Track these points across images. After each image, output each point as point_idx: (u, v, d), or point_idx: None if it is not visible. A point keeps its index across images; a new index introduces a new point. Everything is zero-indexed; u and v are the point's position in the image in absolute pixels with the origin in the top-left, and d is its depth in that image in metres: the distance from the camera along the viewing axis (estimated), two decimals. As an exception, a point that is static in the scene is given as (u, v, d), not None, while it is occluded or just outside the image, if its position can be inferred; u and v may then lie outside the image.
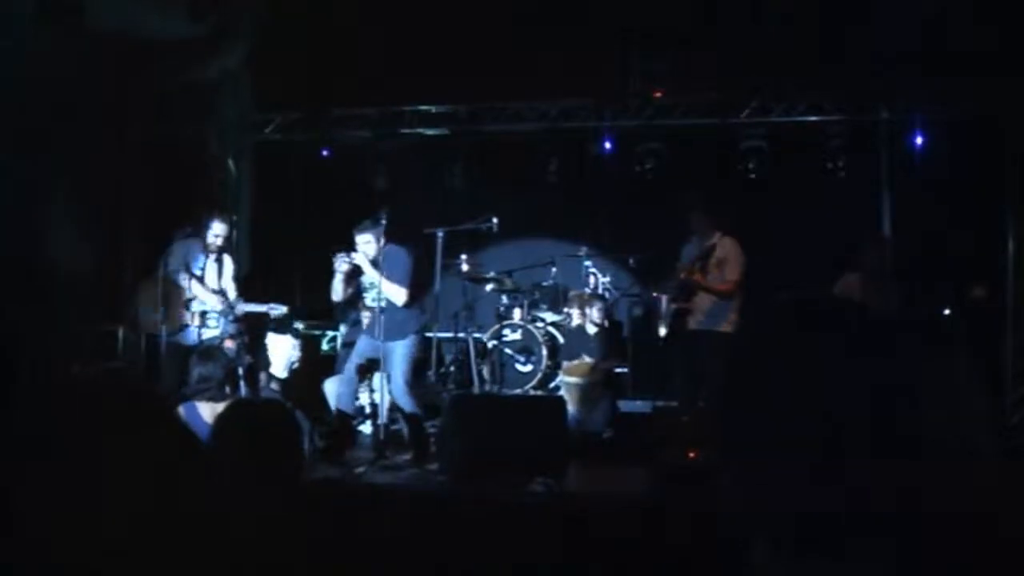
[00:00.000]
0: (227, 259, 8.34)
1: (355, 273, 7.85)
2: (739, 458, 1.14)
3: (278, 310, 8.40)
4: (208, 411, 5.31)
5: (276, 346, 8.83)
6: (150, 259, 8.24)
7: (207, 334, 7.99)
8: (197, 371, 5.75)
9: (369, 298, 7.91)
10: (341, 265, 7.77)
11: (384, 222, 7.75)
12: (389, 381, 7.81)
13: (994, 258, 9.28)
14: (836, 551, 1.07)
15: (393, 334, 7.69)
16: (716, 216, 8.19)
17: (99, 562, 1.20)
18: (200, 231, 8.11)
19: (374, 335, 7.86)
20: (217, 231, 8.12)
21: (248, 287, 9.07)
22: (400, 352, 7.77)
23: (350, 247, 7.78)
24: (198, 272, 8.01)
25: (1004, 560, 1.07)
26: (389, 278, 7.68)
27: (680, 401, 8.06)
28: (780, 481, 1.09)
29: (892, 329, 1.12)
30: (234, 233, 11.21)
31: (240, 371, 8.05)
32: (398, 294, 7.68)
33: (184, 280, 7.96)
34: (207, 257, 8.10)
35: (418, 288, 7.89)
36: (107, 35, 8.83)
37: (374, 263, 7.73)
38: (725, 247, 8.03)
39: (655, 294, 8.72)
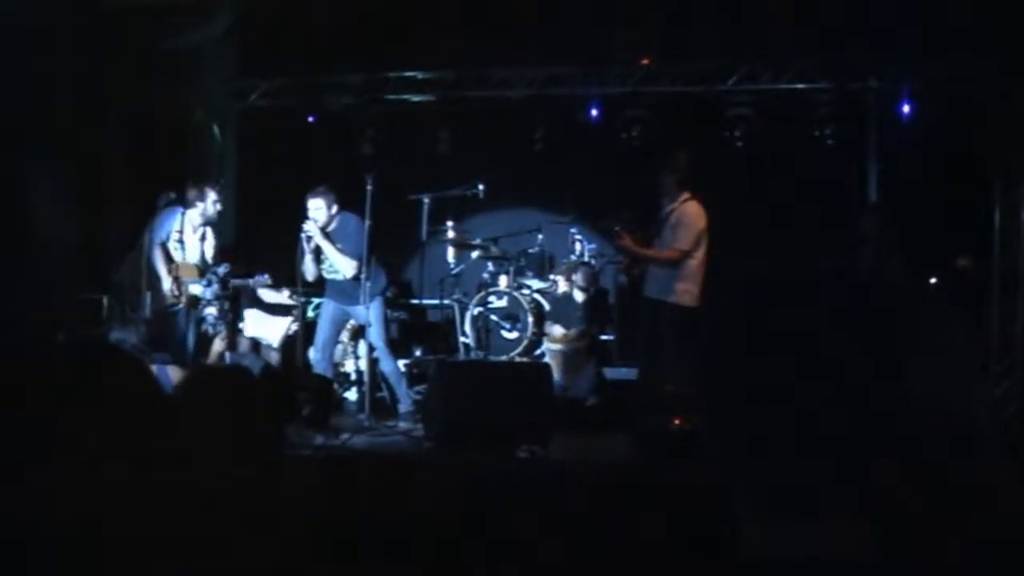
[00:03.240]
0: (209, 231, 8.12)
1: (320, 249, 7.78)
2: (722, 427, 1.13)
3: (262, 281, 8.31)
4: None
5: (272, 321, 8.71)
6: (134, 227, 8.12)
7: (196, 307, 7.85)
8: (114, 335, 5.78)
9: (325, 269, 7.85)
10: (308, 242, 7.68)
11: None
12: (371, 347, 7.81)
13: (980, 228, 9.28)
14: (814, 510, 1.06)
15: (360, 299, 7.66)
16: (683, 177, 7.82)
17: (95, 514, 1.20)
18: (185, 199, 7.96)
19: (337, 301, 7.88)
20: (214, 199, 7.98)
21: (234, 254, 9.02)
22: (373, 315, 7.76)
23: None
24: (176, 244, 7.88)
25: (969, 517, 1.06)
26: (340, 249, 7.63)
27: (647, 367, 7.89)
28: (764, 447, 1.08)
29: (885, 298, 1.11)
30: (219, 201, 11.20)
31: (221, 337, 8.05)
32: (346, 265, 7.63)
33: (170, 251, 7.85)
34: (194, 228, 7.95)
35: (368, 254, 7.74)
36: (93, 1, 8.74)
37: (324, 231, 7.66)
38: (682, 212, 7.66)
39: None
